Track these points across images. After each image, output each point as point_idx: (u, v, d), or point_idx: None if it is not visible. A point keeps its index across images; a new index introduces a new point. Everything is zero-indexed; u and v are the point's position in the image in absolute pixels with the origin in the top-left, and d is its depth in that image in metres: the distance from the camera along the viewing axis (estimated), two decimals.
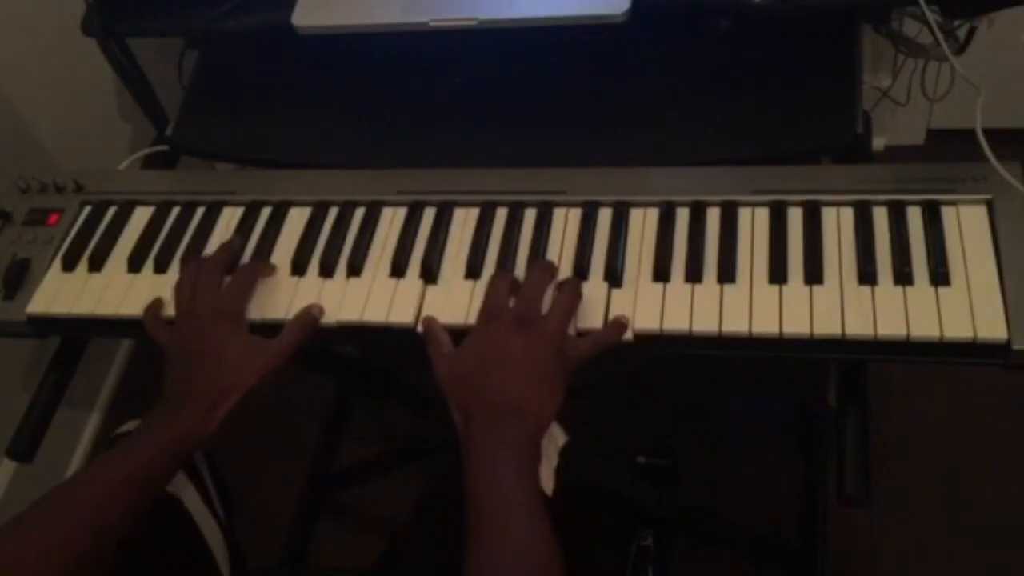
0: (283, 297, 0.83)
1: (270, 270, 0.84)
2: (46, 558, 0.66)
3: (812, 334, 0.72)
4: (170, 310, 0.83)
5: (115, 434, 0.92)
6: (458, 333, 0.77)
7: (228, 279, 0.82)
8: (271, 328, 0.80)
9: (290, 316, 0.81)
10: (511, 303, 0.76)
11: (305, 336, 0.79)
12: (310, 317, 0.80)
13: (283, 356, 0.78)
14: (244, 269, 0.83)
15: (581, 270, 0.79)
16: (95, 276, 0.89)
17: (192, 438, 0.74)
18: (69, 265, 0.89)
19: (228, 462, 0.95)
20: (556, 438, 0.87)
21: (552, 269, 0.78)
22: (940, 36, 0.83)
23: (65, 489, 0.72)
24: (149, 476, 0.73)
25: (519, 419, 0.69)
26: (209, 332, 0.77)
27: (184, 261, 0.87)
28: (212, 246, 0.89)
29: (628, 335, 0.75)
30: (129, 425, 0.92)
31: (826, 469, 1.28)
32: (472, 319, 0.77)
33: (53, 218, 0.93)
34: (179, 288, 0.82)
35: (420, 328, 0.78)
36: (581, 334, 0.76)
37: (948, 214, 0.77)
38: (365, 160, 0.93)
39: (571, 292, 0.76)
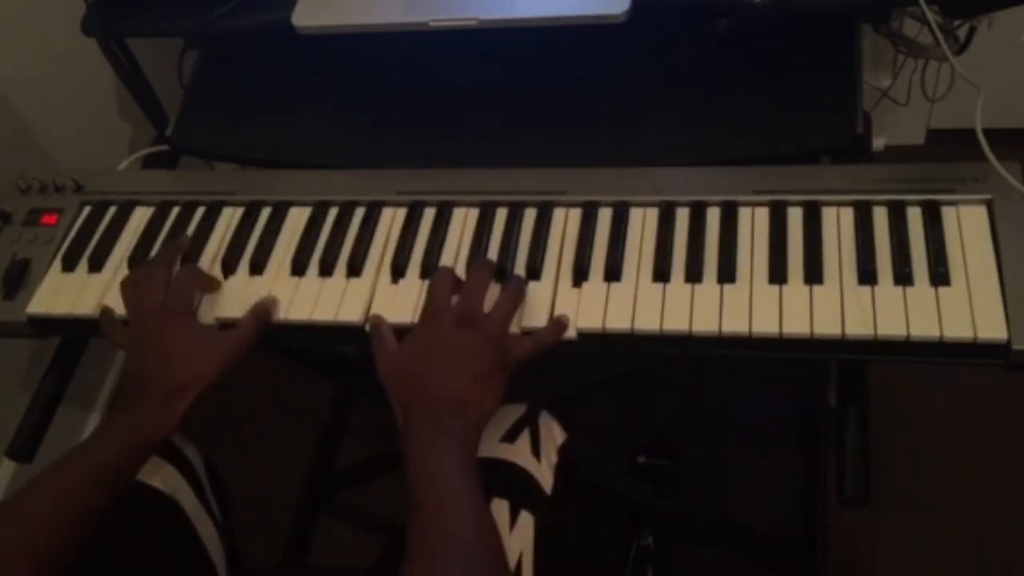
0: (283, 298, 0.83)
1: (215, 285, 0.84)
2: (12, 556, 0.66)
3: (812, 334, 0.72)
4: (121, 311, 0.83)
5: None
6: None
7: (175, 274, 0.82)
8: (274, 330, 0.81)
9: (289, 316, 0.81)
10: (453, 301, 0.76)
11: (262, 327, 0.80)
12: (263, 309, 0.81)
13: (238, 349, 0.78)
14: (187, 269, 0.84)
15: (581, 270, 0.79)
16: (95, 276, 0.89)
17: (150, 434, 0.74)
18: (69, 265, 0.90)
19: (227, 462, 0.95)
20: (555, 437, 0.88)
21: (492, 267, 0.79)
22: (940, 36, 0.83)
23: (28, 491, 0.71)
24: (111, 473, 0.73)
25: (460, 413, 0.70)
26: (160, 327, 0.77)
27: (224, 265, 0.87)
28: (212, 246, 0.89)
29: (571, 334, 0.76)
30: None
31: (826, 469, 1.28)
32: None
33: (53, 218, 0.93)
34: (125, 287, 0.83)
35: (367, 327, 0.79)
36: (527, 332, 0.76)
37: (948, 214, 0.77)
38: (365, 160, 0.93)
39: (513, 291, 0.77)
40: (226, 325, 0.82)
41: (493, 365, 0.72)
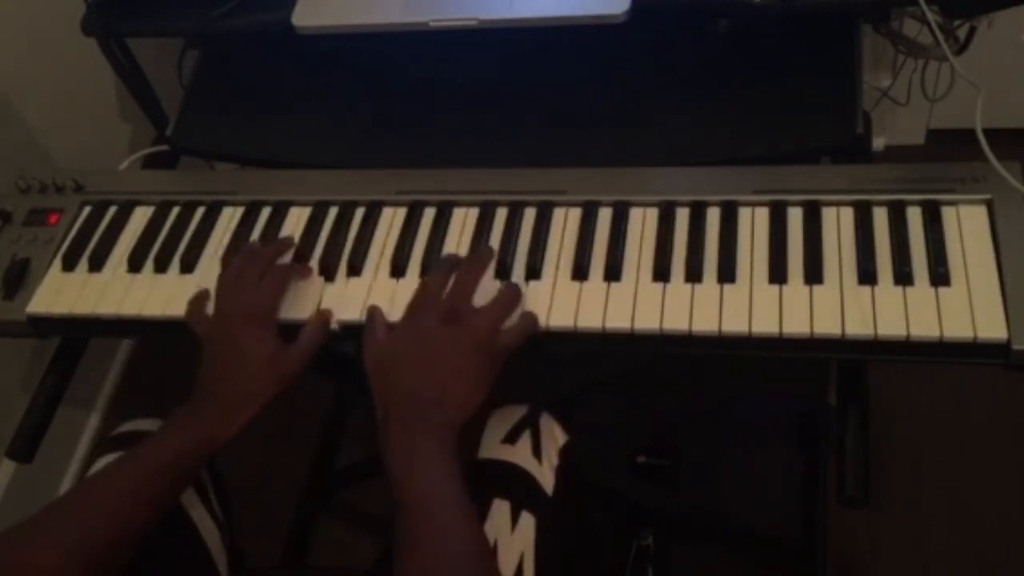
0: (285, 297, 0.83)
1: (306, 272, 0.83)
2: (64, 555, 0.66)
3: (812, 334, 0.72)
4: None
5: (115, 434, 0.92)
6: None
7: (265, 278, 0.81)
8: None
9: (289, 315, 0.81)
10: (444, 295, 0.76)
11: (321, 340, 0.80)
12: (323, 322, 0.80)
13: (304, 364, 0.78)
14: (278, 270, 0.82)
15: (581, 270, 0.79)
16: (95, 276, 0.89)
17: (210, 441, 0.74)
18: (69, 265, 0.90)
19: (228, 462, 0.95)
20: (556, 438, 0.87)
21: (484, 260, 0.79)
22: (940, 36, 0.83)
23: (86, 486, 0.72)
24: (171, 474, 0.73)
25: (439, 409, 0.70)
26: (239, 333, 0.77)
27: (230, 252, 0.86)
28: (212, 246, 0.89)
29: (542, 322, 0.76)
30: (129, 425, 0.92)
31: (826, 469, 1.28)
32: None
33: (53, 218, 0.93)
34: (222, 280, 0.82)
35: (363, 316, 0.79)
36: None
37: (948, 214, 0.77)
38: (365, 160, 0.93)
39: (509, 294, 0.76)
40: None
41: (478, 363, 0.72)
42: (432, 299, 0.76)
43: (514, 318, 0.76)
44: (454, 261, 0.79)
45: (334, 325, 0.81)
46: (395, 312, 0.80)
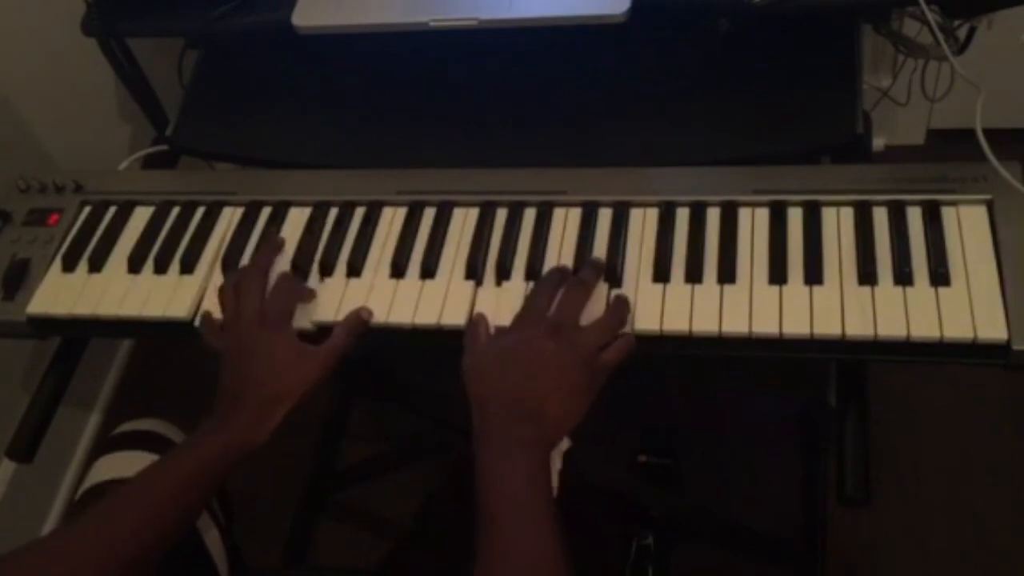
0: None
1: (308, 296, 0.83)
2: (97, 563, 0.66)
3: (812, 334, 0.72)
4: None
5: (115, 434, 0.92)
6: (457, 334, 0.77)
7: (271, 282, 0.82)
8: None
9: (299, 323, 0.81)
10: (551, 310, 0.75)
11: (354, 338, 0.79)
12: (359, 320, 0.80)
13: (332, 360, 0.78)
14: (286, 276, 0.83)
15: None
16: (95, 276, 0.89)
17: (243, 445, 0.74)
18: (69, 265, 0.89)
19: None
20: (560, 443, 0.87)
21: (598, 273, 0.78)
22: (940, 36, 0.83)
23: (121, 493, 0.72)
24: (204, 479, 0.73)
25: (535, 423, 0.69)
26: (256, 337, 0.77)
27: (225, 266, 0.87)
28: (212, 246, 0.89)
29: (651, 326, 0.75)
30: (129, 425, 0.92)
31: (826, 469, 1.28)
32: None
33: (53, 218, 0.93)
34: (223, 293, 0.82)
35: (465, 322, 0.78)
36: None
37: (948, 214, 0.77)
38: (365, 160, 0.93)
39: (618, 313, 0.75)
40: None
41: (580, 383, 0.71)
42: (538, 313, 0.75)
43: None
44: (560, 276, 0.78)
45: (330, 320, 0.80)
46: (395, 313, 0.80)
